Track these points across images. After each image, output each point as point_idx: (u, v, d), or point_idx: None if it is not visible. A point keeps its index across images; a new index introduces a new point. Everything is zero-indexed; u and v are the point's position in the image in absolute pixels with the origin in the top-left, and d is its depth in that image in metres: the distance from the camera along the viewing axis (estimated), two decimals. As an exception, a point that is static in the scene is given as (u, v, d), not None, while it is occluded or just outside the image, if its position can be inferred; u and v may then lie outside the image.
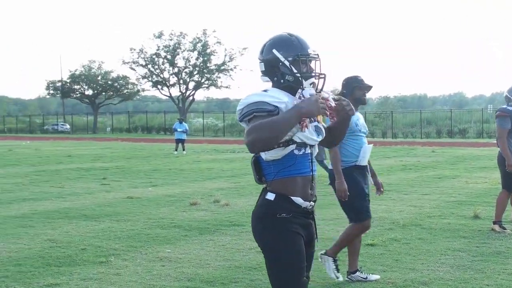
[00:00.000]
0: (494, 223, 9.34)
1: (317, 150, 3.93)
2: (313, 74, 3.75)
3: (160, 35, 77.67)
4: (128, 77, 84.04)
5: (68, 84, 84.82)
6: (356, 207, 6.67)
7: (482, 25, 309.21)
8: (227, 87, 78.98)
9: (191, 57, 77.92)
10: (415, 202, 12.51)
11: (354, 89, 6.73)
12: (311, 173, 3.79)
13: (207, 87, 79.11)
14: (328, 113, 3.67)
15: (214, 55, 77.39)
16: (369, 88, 6.81)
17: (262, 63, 3.80)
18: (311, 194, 3.79)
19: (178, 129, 32.08)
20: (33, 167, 23.06)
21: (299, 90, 3.69)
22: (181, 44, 78.01)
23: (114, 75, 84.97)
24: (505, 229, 9.22)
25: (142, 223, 10.48)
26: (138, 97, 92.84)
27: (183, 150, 31.79)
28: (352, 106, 3.79)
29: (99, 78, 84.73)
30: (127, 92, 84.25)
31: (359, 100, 6.76)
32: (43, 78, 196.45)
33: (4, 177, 18.95)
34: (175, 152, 31.44)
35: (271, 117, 3.45)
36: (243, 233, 9.39)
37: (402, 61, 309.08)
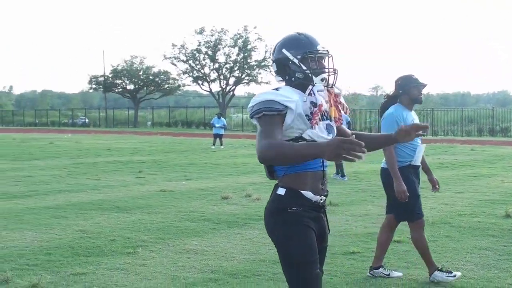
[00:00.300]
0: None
1: None
2: (324, 70, 3.79)
3: (201, 31, 78.10)
4: (169, 73, 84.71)
5: (110, 78, 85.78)
6: (410, 208, 6.61)
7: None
8: (267, 82, 79.07)
9: (232, 53, 78.24)
10: (448, 200, 12.42)
11: (411, 88, 6.66)
12: (322, 169, 3.82)
13: (247, 83, 79.34)
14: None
15: (255, 51, 77.59)
16: (424, 86, 6.74)
17: (274, 64, 3.87)
18: (322, 188, 3.82)
19: (216, 124, 32.26)
20: (72, 159, 23.44)
21: (310, 87, 3.73)
22: (222, 40, 78.32)
23: (155, 70, 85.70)
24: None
25: (173, 215, 10.61)
26: (179, 92, 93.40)
27: (221, 144, 31.97)
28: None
29: (141, 73, 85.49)
30: (168, 87, 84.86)
31: (415, 100, 6.70)
32: (86, 72, 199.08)
33: (43, 169, 19.31)
34: (213, 147, 31.63)
35: (289, 145, 3.40)
36: (270, 228, 9.43)
37: (445, 58, 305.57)
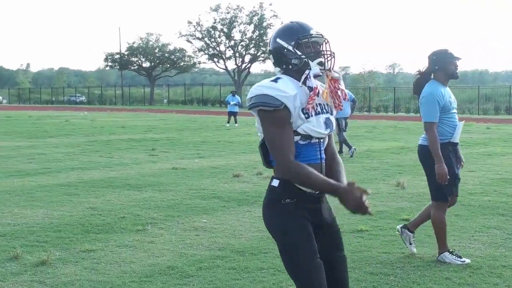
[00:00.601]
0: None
1: (327, 140, 3.92)
2: (320, 54, 3.76)
3: (217, 8, 77.92)
4: (185, 50, 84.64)
5: (126, 56, 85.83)
6: (438, 186, 6.53)
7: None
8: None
9: (248, 30, 78.00)
10: (459, 178, 12.36)
11: (447, 64, 6.51)
12: (319, 162, 3.79)
13: (263, 60, 79.15)
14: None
15: (270, 28, 77.23)
16: (459, 60, 6.58)
17: (271, 55, 3.85)
18: None
19: (231, 102, 32.26)
20: (86, 137, 23.57)
21: (306, 72, 3.70)
22: (237, 17, 78.12)
23: (171, 47, 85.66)
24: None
25: (183, 193, 10.67)
26: (195, 69, 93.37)
27: (235, 122, 31.98)
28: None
29: (156, 50, 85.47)
30: (183, 64, 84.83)
31: (452, 75, 6.55)
32: (103, 50, 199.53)
33: (57, 147, 19.44)
34: (227, 125, 31.66)
35: (315, 178, 3.52)
36: (280, 206, 9.47)
37: (462, 35, 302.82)
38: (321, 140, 3.78)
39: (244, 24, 78.03)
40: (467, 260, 6.49)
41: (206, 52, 79.80)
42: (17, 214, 8.89)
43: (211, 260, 6.57)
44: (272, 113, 3.58)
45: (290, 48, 3.74)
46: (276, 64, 3.84)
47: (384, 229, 7.97)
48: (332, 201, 3.71)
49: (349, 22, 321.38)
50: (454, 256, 6.51)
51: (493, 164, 14.91)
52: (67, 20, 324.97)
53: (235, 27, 78.05)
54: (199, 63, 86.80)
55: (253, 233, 7.80)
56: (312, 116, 3.66)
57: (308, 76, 3.66)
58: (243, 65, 78.43)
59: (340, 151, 16.92)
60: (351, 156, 16.51)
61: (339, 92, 3.78)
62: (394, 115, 49.63)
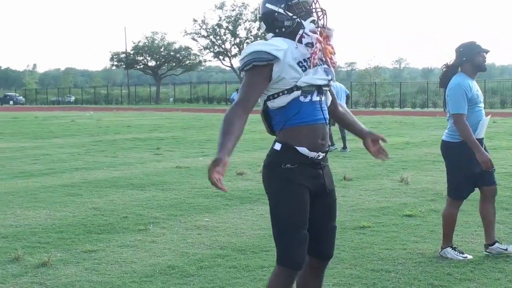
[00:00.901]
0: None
1: (329, 97, 3.91)
2: (311, 13, 3.77)
3: (222, 6, 78.03)
4: (190, 48, 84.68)
5: (131, 55, 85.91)
6: (456, 183, 6.49)
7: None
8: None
9: (253, 28, 77.99)
10: (464, 173, 12.30)
11: (475, 56, 6.40)
12: (323, 122, 3.79)
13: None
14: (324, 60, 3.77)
15: (276, 25, 77.23)
16: (487, 52, 6.48)
17: (262, 22, 3.86)
18: (322, 144, 3.78)
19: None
20: (91, 137, 23.59)
21: (300, 31, 3.71)
22: (242, 15, 78.16)
23: (176, 46, 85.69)
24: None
25: (186, 192, 10.65)
26: (201, 67, 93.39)
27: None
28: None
29: (162, 49, 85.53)
30: (189, 63, 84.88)
31: (479, 67, 6.45)
32: (109, 50, 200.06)
33: (62, 147, 19.46)
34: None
35: (227, 131, 3.59)
36: (283, 203, 9.45)
37: (470, 29, 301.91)
38: (322, 99, 3.77)
39: (249, 21, 78.04)
40: (469, 256, 6.45)
41: (212, 50, 79.90)
42: (20, 216, 8.89)
43: (212, 259, 6.56)
44: (261, 69, 3.62)
45: (281, 10, 3.75)
46: (268, 30, 3.87)
47: (386, 225, 7.94)
48: None
49: (355, 17, 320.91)
50: (457, 252, 6.47)
51: (498, 158, 14.81)
52: (73, 20, 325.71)
53: (240, 25, 78.07)
54: (205, 61, 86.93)
55: (255, 231, 7.78)
56: (309, 68, 3.69)
57: (305, 33, 3.68)
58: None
59: (344, 147, 16.88)
60: (345, 151, 16.61)
61: (331, 48, 3.80)
62: (400, 110, 49.53)
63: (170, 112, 50.62)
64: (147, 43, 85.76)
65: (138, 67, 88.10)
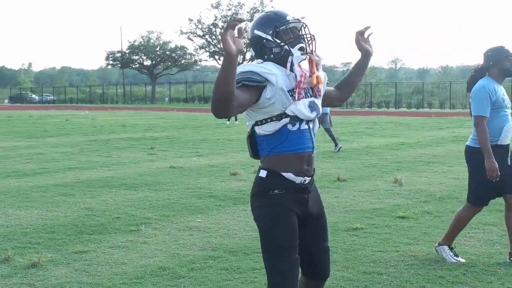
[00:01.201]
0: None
1: (317, 125, 3.89)
2: (300, 39, 3.74)
3: (217, 5, 77.92)
4: (186, 48, 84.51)
5: (127, 54, 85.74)
6: (477, 189, 6.38)
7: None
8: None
9: (248, 27, 77.88)
10: (458, 174, 12.29)
11: (503, 60, 6.30)
12: (310, 150, 3.76)
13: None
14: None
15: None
16: None
17: (251, 47, 3.83)
18: (307, 169, 3.76)
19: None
20: (85, 136, 23.52)
21: (289, 59, 3.68)
22: (238, 14, 78.01)
23: (172, 45, 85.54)
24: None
25: (180, 192, 10.61)
26: (197, 67, 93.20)
27: (235, 120, 31.91)
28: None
29: (157, 48, 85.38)
30: (185, 62, 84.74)
31: (507, 72, 6.33)
32: (104, 49, 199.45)
33: (55, 146, 19.39)
34: (227, 122, 31.57)
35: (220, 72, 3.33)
36: (276, 204, 9.41)
37: (466, 29, 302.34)
38: (311, 126, 3.75)
39: (245, 21, 78.05)
40: (462, 260, 6.40)
41: (207, 49, 79.78)
42: (11, 215, 8.84)
43: (203, 261, 6.52)
44: (249, 87, 3.56)
45: (269, 37, 3.72)
46: (257, 56, 3.84)
47: (379, 227, 7.91)
48: None
49: (351, 17, 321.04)
50: (452, 253, 6.42)
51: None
52: (69, 19, 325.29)
53: (236, 24, 78.11)
54: (200, 61, 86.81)
55: (247, 232, 7.74)
56: (295, 100, 3.66)
57: (292, 62, 3.66)
58: (244, 62, 78.22)
59: (336, 144, 16.90)
60: (337, 150, 16.64)
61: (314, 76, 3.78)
62: (395, 111, 49.55)
63: (165, 111, 50.54)
64: (142, 43, 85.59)
65: (133, 66, 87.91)
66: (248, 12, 77.21)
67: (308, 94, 3.76)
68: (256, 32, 3.78)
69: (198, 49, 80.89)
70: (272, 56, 3.73)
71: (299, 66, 3.69)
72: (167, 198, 10.05)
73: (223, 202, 9.68)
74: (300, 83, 3.65)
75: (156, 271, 6.20)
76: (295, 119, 3.67)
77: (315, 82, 3.76)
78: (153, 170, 13.58)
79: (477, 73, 6.43)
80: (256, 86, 3.57)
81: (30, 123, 33.04)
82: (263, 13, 3.87)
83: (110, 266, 6.41)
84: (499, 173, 6.09)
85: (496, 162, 6.08)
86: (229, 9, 77.79)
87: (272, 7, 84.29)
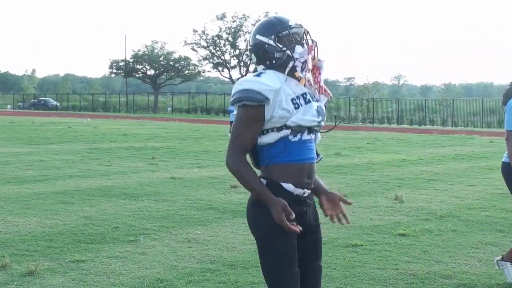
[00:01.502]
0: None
1: (319, 137, 3.85)
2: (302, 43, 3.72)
3: (222, 17, 78.02)
4: (190, 58, 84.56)
5: (131, 63, 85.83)
6: None
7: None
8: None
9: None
10: (459, 193, 12.26)
11: None
12: (311, 161, 3.72)
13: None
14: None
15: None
16: None
17: (253, 53, 3.79)
18: (307, 182, 3.72)
19: (234, 111, 32.15)
20: (87, 144, 23.49)
21: (290, 63, 3.65)
22: (243, 26, 78.19)
23: (176, 56, 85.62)
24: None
25: (179, 204, 10.57)
26: (200, 78, 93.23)
27: (237, 132, 31.89)
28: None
29: (161, 58, 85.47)
30: (188, 73, 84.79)
31: None
32: (108, 57, 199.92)
33: (57, 154, 19.37)
34: (229, 134, 31.58)
35: (250, 178, 3.53)
36: (276, 218, 9.37)
37: (468, 47, 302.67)
38: (313, 137, 3.71)
39: (249, 33, 77.74)
40: None
41: (211, 60, 79.86)
42: (10, 222, 8.80)
43: (201, 274, 6.48)
44: (252, 109, 3.54)
45: (271, 42, 3.70)
46: (258, 62, 3.80)
47: (379, 244, 7.86)
48: None
49: (355, 33, 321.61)
50: None
51: (494, 178, 14.76)
52: (74, 26, 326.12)
53: (240, 36, 78.10)
54: (204, 72, 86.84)
55: (246, 245, 7.70)
56: (301, 106, 3.61)
57: (295, 65, 3.63)
58: (248, 74, 78.41)
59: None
60: None
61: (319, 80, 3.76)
62: (397, 127, 49.51)
63: (167, 121, 50.53)
64: (146, 52, 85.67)
65: (137, 75, 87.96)
66: (253, 25, 77.31)
67: (315, 99, 3.73)
68: (258, 37, 3.76)
69: (202, 60, 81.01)
70: (274, 61, 3.71)
71: (308, 69, 3.66)
72: (167, 209, 10.01)
73: (223, 215, 9.65)
74: (318, 82, 3.68)
75: (153, 282, 6.16)
76: (297, 129, 3.64)
77: (316, 86, 3.74)
78: (153, 180, 13.54)
79: None
80: (257, 105, 3.55)
81: (32, 129, 33.02)
82: (266, 18, 3.85)
83: (108, 276, 6.36)
84: None
85: None
86: (234, 21, 77.93)
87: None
